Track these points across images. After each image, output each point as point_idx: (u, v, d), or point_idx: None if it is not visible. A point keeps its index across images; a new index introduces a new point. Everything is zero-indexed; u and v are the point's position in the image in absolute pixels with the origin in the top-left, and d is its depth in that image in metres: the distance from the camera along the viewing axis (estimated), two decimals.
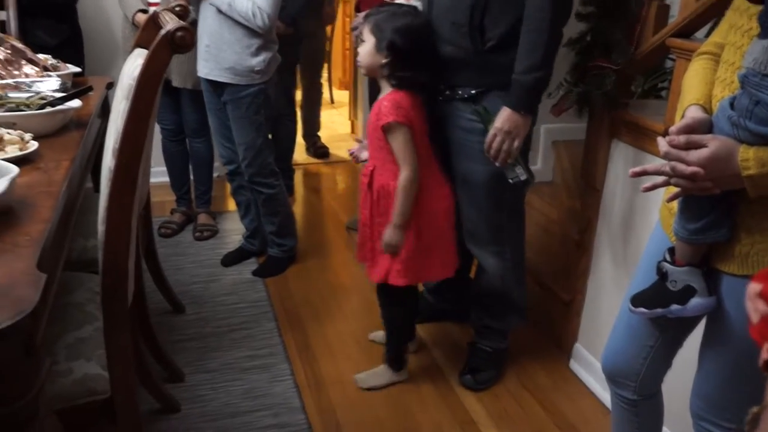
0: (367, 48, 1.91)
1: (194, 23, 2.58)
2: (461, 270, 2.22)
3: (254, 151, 2.67)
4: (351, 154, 2.20)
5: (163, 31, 1.07)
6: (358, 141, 2.21)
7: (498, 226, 2.04)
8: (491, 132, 1.82)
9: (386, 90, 1.94)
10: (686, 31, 1.80)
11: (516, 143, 1.81)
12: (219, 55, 2.51)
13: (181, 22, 1.12)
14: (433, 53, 1.90)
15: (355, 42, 2.10)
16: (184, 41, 1.07)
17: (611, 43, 2.03)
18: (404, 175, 1.88)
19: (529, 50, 1.75)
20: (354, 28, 2.36)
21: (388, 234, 1.92)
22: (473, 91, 1.89)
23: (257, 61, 2.52)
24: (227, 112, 2.65)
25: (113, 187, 1.17)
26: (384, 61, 1.87)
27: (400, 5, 1.92)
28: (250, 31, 2.47)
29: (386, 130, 1.88)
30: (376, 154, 1.96)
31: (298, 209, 3.70)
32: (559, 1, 1.74)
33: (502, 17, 1.79)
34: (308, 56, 4.01)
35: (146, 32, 1.43)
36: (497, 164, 1.85)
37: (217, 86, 2.61)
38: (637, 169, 1.10)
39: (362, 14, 2.05)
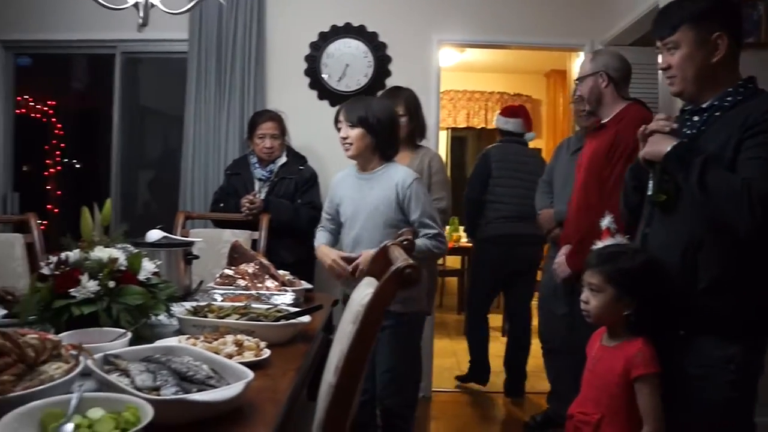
0: (603, 300, 1.88)
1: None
2: None
3: (400, 381, 2.58)
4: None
5: (393, 267, 1.22)
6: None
7: None
8: None
9: (617, 337, 1.90)
10: None
11: None
12: None
13: (409, 259, 1.27)
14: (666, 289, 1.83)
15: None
16: (411, 277, 1.21)
17: None
18: None
19: None
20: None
21: None
22: (681, 332, 1.81)
23: (417, 288, 2.50)
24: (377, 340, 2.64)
25: (331, 403, 1.27)
26: (627, 311, 1.86)
27: (618, 245, 1.94)
28: None
29: (638, 380, 1.82)
30: (608, 403, 1.87)
31: None
32: None
33: (717, 260, 1.74)
34: None
35: (375, 263, 1.62)
36: None
37: None
38: None
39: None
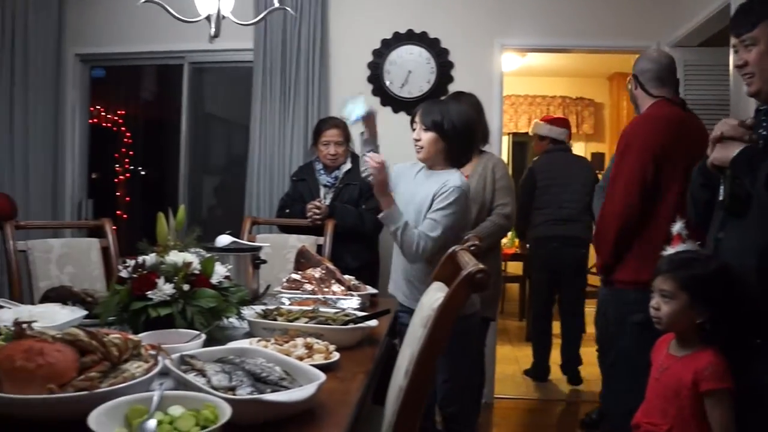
0: (675, 307, 1.84)
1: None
2: None
3: (460, 388, 2.49)
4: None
5: (464, 272, 1.22)
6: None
7: None
8: None
9: (687, 346, 1.85)
10: None
11: None
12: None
13: (479, 264, 1.27)
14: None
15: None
16: (482, 282, 1.21)
17: None
18: None
19: None
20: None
21: None
22: (758, 341, 1.74)
23: None
24: None
25: (402, 406, 1.28)
26: (700, 320, 1.81)
27: (690, 251, 1.89)
28: None
29: (709, 396, 1.76)
30: (676, 414, 1.82)
31: None
32: None
33: None
34: None
35: (444, 268, 1.62)
36: None
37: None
38: None
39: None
